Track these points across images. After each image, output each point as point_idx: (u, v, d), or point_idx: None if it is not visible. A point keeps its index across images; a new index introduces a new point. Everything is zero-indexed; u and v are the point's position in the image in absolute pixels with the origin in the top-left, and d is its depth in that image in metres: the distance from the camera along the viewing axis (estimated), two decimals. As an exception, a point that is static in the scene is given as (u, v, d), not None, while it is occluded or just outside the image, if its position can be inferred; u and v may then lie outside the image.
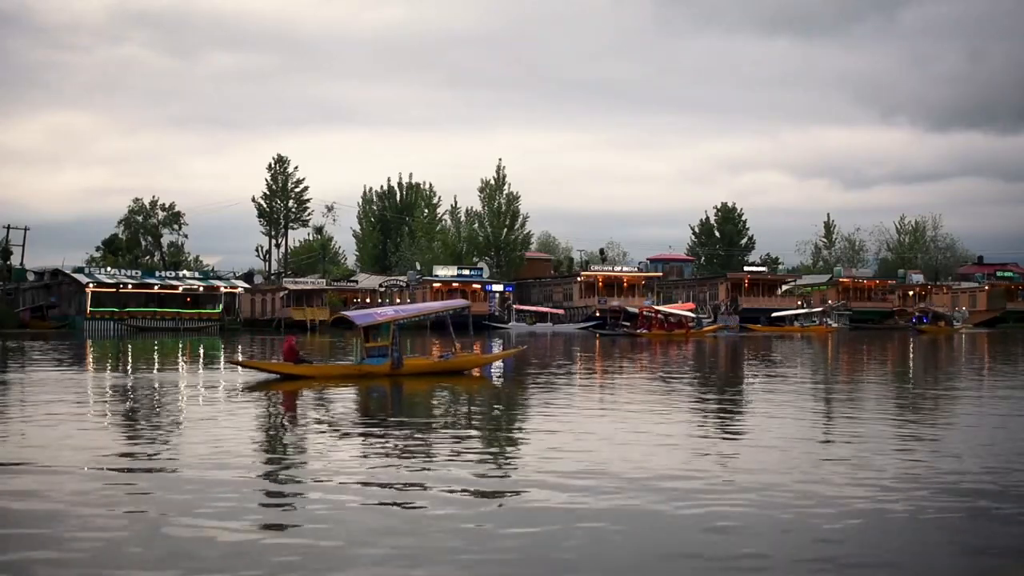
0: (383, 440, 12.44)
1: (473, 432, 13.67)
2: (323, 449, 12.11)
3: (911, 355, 38.85)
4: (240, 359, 25.68)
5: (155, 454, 11.35)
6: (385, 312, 23.92)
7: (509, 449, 12.25)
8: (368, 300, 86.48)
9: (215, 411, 16.20)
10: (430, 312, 28.82)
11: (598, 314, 78.20)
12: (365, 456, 11.30)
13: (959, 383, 23.39)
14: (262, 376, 22.02)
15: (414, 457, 11.10)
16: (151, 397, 18.74)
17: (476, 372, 24.32)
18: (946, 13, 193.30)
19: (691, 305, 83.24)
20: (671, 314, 65.88)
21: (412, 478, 9.76)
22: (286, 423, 15.04)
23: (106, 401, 18.27)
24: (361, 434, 13.27)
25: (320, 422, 14.96)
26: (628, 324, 65.29)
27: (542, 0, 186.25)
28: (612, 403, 18.37)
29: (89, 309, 70.68)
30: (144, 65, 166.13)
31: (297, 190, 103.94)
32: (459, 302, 38.70)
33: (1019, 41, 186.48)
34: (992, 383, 23.66)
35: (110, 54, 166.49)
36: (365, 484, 9.40)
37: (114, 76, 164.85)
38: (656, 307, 69.23)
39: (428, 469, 10.34)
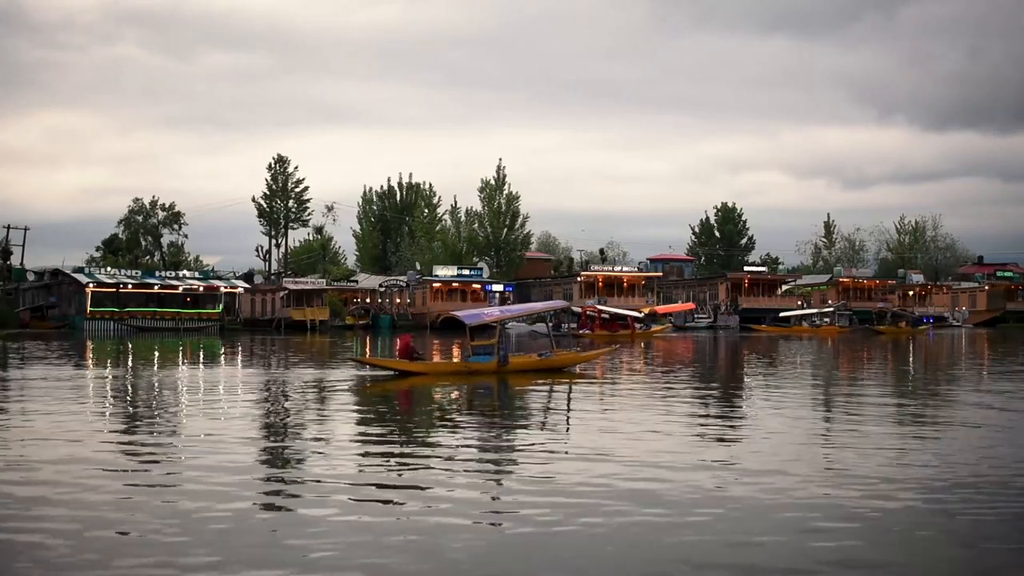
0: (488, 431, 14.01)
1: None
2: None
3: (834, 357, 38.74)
4: (361, 357, 27.85)
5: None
6: (491, 312, 25.89)
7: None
8: (368, 300, 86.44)
9: (349, 404, 18.48)
10: (533, 312, 30.73)
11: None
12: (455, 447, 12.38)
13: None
14: (380, 372, 23.95)
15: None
16: (302, 392, 20.76)
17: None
18: (945, 12, 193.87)
19: (691, 305, 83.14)
20: (616, 314, 64.54)
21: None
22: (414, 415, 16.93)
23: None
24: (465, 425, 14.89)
25: (438, 412, 16.98)
26: (574, 324, 63.73)
27: (542, 0, 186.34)
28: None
29: (89, 309, 70.56)
30: (139, 64, 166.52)
31: (297, 190, 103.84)
32: (560, 303, 39.38)
33: (1019, 40, 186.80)
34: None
35: (104, 53, 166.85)
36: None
37: (110, 75, 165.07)
38: (600, 307, 67.39)
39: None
